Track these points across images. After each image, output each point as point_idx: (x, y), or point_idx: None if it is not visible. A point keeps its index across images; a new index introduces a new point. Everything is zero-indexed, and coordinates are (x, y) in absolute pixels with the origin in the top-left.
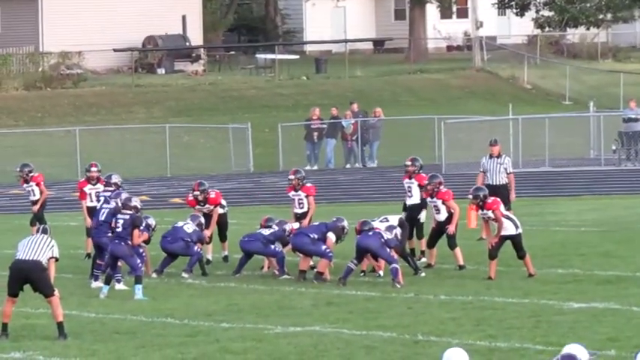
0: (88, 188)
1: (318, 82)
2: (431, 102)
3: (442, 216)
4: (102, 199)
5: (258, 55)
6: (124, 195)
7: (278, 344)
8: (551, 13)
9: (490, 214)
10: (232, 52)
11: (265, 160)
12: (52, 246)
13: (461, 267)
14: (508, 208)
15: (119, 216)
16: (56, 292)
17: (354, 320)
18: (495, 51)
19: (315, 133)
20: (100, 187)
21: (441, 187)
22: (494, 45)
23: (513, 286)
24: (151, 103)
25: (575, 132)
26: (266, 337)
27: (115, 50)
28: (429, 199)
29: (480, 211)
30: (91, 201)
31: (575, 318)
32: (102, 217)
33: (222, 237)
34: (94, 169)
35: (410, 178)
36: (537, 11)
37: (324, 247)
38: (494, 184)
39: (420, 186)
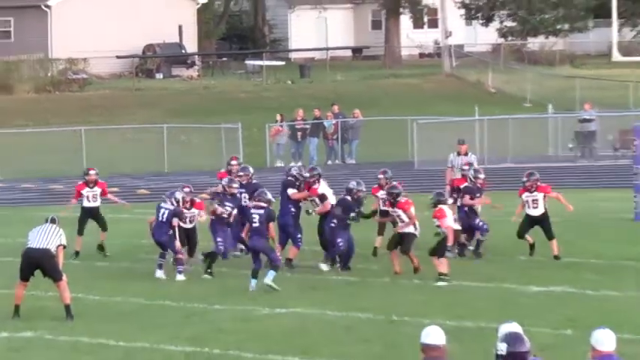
0: (85, 191)
1: (302, 86)
2: (404, 104)
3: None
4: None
5: (247, 62)
6: (261, 190)
7: (266, 324)
8: (513, 24)
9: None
10: (224, 59)
11: (254, 157)
12: (61, 235)
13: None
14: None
15: (253, 211)
16: (64, 277)
17: (335, 303)
18: (463, 58)
19: (299, 133)
20: (97, 189)
21: (400, 198)
22: (462, 52)
23: (480, 271)
24: (150, 105)
25: (536, 132)
26: (254, 318)
27: (117, 57)
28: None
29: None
30: (88, 202)
31: (536, 300)
32: (162, 218)
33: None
34: (92, 172)
35: (382, 189)
36: (501, 22)
37: (298, 235)
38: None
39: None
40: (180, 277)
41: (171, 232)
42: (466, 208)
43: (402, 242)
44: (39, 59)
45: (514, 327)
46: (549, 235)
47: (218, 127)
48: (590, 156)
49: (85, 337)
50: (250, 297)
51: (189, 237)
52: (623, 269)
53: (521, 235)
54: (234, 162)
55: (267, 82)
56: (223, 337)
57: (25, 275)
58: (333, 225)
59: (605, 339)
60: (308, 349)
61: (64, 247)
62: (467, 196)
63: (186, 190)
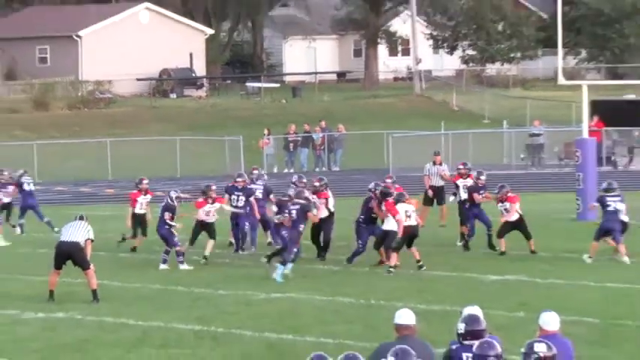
0: (140, 198)
1: (294, 105)
2: (381, 120)
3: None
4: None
5: (248, 84)
6: (298, 190)
7: (263, 307)
8: (474, 52)
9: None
10: (228, 81)
11: (253, 164)
12: (89, 230)
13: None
14: (442, 203)
15: (291, 207)
16: (91, 266)
17: (322, 289)
18: (431, 81)
19: (292, 144)
20: (148, 197)
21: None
22: (430, 76)
23: (446, 262)
24: (165, 121)
25: (493, 144)
26: (253, 302)
27: (137, 79)
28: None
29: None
30: (140, 209)
31: (494, 287)
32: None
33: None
34: (145, 181)
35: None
36: (463, 51)
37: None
38: (436, 185)
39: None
40: (183, 267)
41: (167, 227)
42: (467, 205)
43: (385, 239)
44: (71, 81)
45: (475, 310)
46: (527, 236)
47: (222, 139)
48: (539, 165)
49: (109, 317)
50: (250, 284)
51: (208, 229)
52: (568, 261)
53: (500, 235)
54: (145, 181)
55: (265, 101)
56: (226, 318)
57: (58, 265)
58: (361, 223)
59: (550, 320)
60: (299, 328)
61: (92, 240)
62: (475, 194)
63: (174, 194)
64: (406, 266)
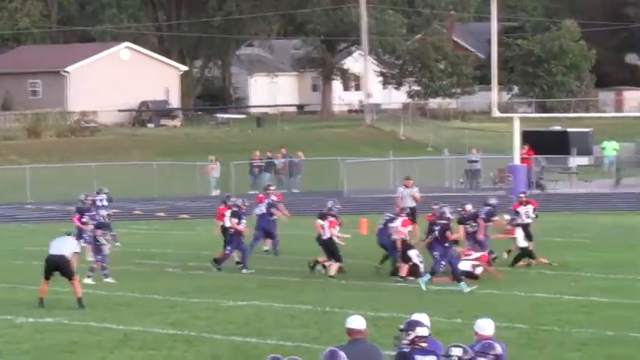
0: (227, 212)
1: (258, 134)
2: (336, 148)
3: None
4: None
5: (217, 115)
6: (441, 210)
7: (230, 313)
8: (418, 88)
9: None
10: (200, 113)
11: (222, 186)
12: (75, 244)
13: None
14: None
15: (434, 226)
16: (77, 276)
17: (283, 297)
18: (380, 113)
19: (257, 169)
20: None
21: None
22: (380, 109)
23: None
24: (144, 147)
25: (435, 170)
26: (222, 309)
27: (119, 110)
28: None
29: None
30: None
31: (435, 296)
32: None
33: None
34: (232, 199)
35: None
36: (409, 86)
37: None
38: (408, 206)
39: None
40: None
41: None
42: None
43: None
44: (60, 112)
45: (423, 316)
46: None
47: (194, 164)
48: (476, 188)
49: (94, 322)
50: (219, 293)
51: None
52: (504, 274)
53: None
54: (233, 199)
55: (233, 131)
56: (198, 323)
57: (47, 275)
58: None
59: (486, 326)
60: (262, 331)
61: (78, 253)
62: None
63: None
64: (358, 277)
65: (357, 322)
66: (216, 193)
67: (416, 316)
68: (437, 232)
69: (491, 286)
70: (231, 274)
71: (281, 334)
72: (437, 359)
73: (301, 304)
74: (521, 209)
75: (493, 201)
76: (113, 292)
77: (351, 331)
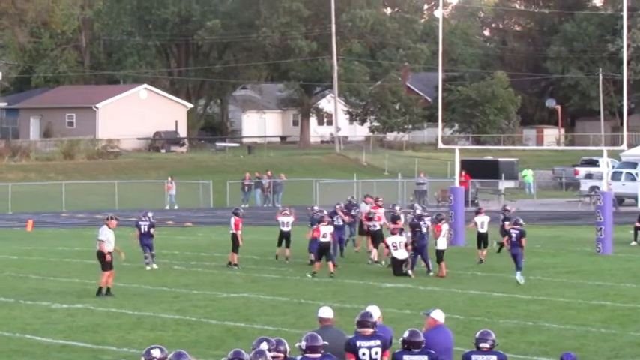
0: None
1: (249, 159)
2: (311, 171)
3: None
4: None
5: (216, 143)
6: (515, 219)
7: (224, 303)
8: (378, 124)
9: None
10: (202, 141)
11: (220, 201)
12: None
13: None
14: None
15: (512, 231)
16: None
17: (266, 290)
18: (347, 144)
19: (247, 187)
20: (290, 219)
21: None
22: (347, 140)
23: (355, 272)
24: (158, 169)
25: (390, 190)
26: (217, 299)
27: (138, 139)
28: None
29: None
30: (284, 227)
31: (388, 292)
32: (144, 230)
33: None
34: (287, 209)
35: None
36: (371, 123)
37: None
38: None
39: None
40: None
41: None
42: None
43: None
44: (90, 139)
45: (374, 308)
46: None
47: (197, 182)
48: (423, 205)
49: (114, 308)
50: (214, 286)
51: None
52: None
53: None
54: (315, 207)
55: (228, 156)
56: (198, 310)
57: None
58: None
59: (439, 315)
60: (249, 318)
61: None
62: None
63: (150, 214)
64: (325, 275)
65: (326, 311)
66: (168, 208)
67: (369, 307)
68: (514, 237)
69: (432, 283)
70: (225, 271)
71: (265, 320)
72: (380, 342)
73: (281, 296)
74: (477, 219)
75: (508, 207)
76: (130, 284)
77: (321, 319)
